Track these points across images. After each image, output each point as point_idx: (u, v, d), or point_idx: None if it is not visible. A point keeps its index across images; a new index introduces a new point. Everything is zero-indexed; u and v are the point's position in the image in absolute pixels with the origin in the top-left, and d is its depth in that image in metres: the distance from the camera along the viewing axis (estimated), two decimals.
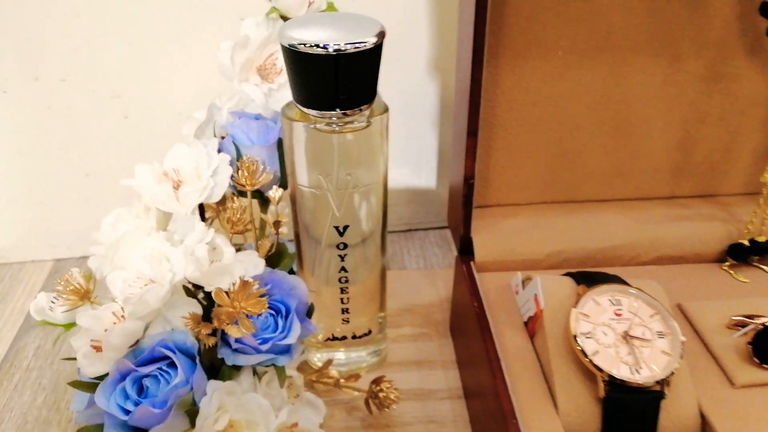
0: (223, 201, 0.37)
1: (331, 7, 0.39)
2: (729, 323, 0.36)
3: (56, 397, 0.43)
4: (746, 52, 0.40)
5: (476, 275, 0.40)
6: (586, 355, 0.31)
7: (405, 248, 0.57)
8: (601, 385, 0.31)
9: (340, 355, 0.41)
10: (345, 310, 0.39)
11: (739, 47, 0.40)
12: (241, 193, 0.38)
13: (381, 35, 0.30)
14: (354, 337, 0.40)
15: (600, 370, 0.31)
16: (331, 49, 0.29)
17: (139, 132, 0.49)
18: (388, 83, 0.50)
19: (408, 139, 0.52)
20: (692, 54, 0.40)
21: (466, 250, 0.42)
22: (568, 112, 0.42)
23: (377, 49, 0.30)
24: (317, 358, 0.42)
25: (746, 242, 0.42)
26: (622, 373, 0.31)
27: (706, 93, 0.42)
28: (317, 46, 0.29)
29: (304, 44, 0.29)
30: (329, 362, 0.39)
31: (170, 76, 0.47)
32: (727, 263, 0.42)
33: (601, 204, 0.44)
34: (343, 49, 0.29)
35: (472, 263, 0.41)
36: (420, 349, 0.44)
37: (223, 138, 0.38)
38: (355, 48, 0.29)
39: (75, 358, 0.31)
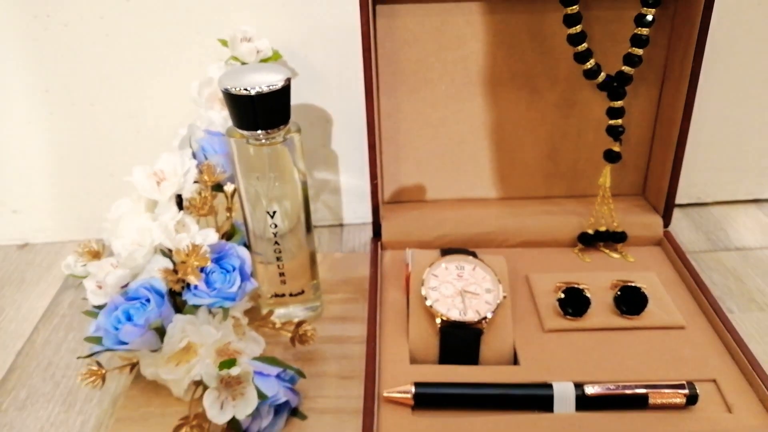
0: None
1: (276, 56, 0.54)
2: (555, 288, 0.49)
3: (81, 335, 0.58)
4: (589, 85, 0.53)
5: (380, 251, 0.54)
6: (428, 301, 0.45)
7: (358, 238, 0.71)
8: (437, 321, 0.44)
9: (283, 310, 0.56)
10: (282, 274, 0.53)
11: (583, 82, 0.52)
12: (215, 188, 0.53)
13: (288, 80, 0.44)
14: (291, 294, 0.54)
15: (437, 311, 0.44)
16: (252, 92, 0.43)
17: (147, 143, 0.65)
18: (338, 107, 0.65)
19: (355, 150, 0.66)
20: (547, 87, 0.53)
21: (376, 233, 0.55)
22: (454, 131, 0.55)
23: (285, 89, 0.44)
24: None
25: (591, 231, 0.54)
26: (452, 314, 0.44)
27: (564, 116, 0.55)
28: (243, 89, 0.44)
29: (235, 88, 0.44)
30: (270, 312, 0.53)
31: (168, 101, 0.63)
32: (578, 247, 0.55)
33: (487, 201, 0.58)
34: (259, 90, 0.43)
35: (379, 243, 0.55)
36: (348, 309, 0.58)
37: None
38: (269, 88, 0.44)
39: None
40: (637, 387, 0.40)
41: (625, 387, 0.40)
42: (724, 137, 0.69)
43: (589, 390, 0.40)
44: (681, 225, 0.71)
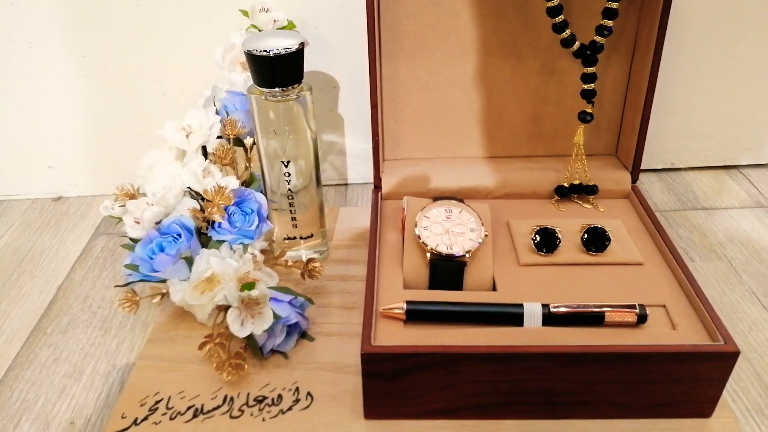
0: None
1: (290, 25, 0.61)
2: (531, 230, 0.56)
3: (114, 273, 0.66)
4: (568, 54, 0.59)
5: (381, 201, 0.61)
6: (420, 238, 0.52)
7: (361, 195, 0.78)
8: (427, 255, 0.51)
9: (294, 252, 0.63)
10: (294, 219, 0.60)
11: (563, 51, 0.59)
12: (236, 142, 0.60)
13: (302, 44, 0.51)
14: (301, 237, 0.62)
15: (427, 246, 0.51)
16: (271, 53, 0.50)
17: (172, 104, 0.72)
18: (344, 74, 0.71)
19: (359, 115, 0.73)
20: (530, 56, 0.60)
21: (377, 186, 0.62)
22: (448, 95, 0.62)
23: (299, 52, 0.51)
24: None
25: (566, 185, 0.61)
26: (440, 248, 0.51)
27: (545, 83, 0.61)
28: (264, 50, 0.50)
29: (256, 50, 0.50)
30: (283, 252, 0.60)
31: (192, 67, 0.69)
32: (554, 199, 0.62)
33: (476, 159, 0.64)
34: (277, 52, 0.50)
35: (379, 193, 0.62)
36: (351, 253, 0.65)
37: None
38: (285, 51, 0.51)
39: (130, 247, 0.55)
40: (595, 307, 0.47)
41: (585, 306, 0.47)
42: (697, 108, 0.76)
43: (554, 309, 0.47)
44: (655, 187, 0.78)
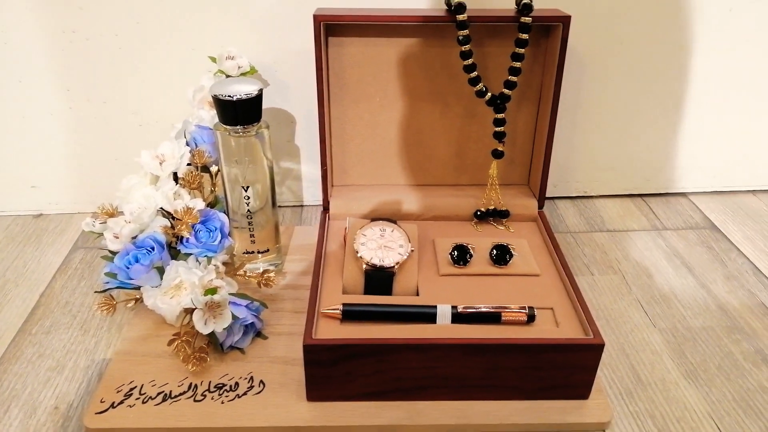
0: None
1: (252, 70, 0.72)
2: (449, 247, 0.67)
3: (92, 282, 0.75)
4: (484, 102, 0.71)
5: (328, 221, 0.71)
6: (358, 252, 0.63)
7: (314, 216, 0.89)
8: (363, 266, 0.62)
9: (252, 265, 0.73)
10: (252, 235, 0.70)
11: (481, 99, 0.71)
12: (203, 169, 0.70)
13: (260, 90, 0.62)
14: (258, 252, 0.72)
15: (363, 259, 0.62)
16: (234, 98, 0.61)
17: (148, 134, 0.81)
18: (300, 111, 0.82)
19: (313, 145, 0.84)
20: (455, 102, 0.72)
21: (325, 207, 0.73)
22: (386, 133, 0.73)
23: (258, 97, 0.62)
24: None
25: (483, 209, 0.72)
26: (373, 261, 0.62)
27: (468, 124, 0.73)
28: (228, 95, 0.61)
29: (222, 95, 0.61)
30: (242, 264, 0.70)
31: (166, 102, 0.79)
32: (473, 221, 0.73)
33: (410, 186, 0.76)
34: (239, 96, 0.61)
35: (327, 214, 0.72)
36: (302, 266, 0.75)
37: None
38: (246, 96, 0.61)
39: (109, 258, 0.64)
40: (494, 308, 0.58)
41: (485, 307, 0.58)
42: (603, 144, 0.89)
43: (461, 309, 0.58)
44: (569, 212, 0.91)
